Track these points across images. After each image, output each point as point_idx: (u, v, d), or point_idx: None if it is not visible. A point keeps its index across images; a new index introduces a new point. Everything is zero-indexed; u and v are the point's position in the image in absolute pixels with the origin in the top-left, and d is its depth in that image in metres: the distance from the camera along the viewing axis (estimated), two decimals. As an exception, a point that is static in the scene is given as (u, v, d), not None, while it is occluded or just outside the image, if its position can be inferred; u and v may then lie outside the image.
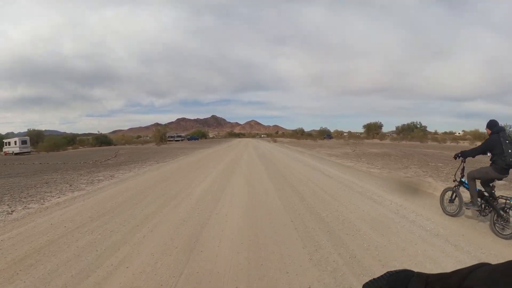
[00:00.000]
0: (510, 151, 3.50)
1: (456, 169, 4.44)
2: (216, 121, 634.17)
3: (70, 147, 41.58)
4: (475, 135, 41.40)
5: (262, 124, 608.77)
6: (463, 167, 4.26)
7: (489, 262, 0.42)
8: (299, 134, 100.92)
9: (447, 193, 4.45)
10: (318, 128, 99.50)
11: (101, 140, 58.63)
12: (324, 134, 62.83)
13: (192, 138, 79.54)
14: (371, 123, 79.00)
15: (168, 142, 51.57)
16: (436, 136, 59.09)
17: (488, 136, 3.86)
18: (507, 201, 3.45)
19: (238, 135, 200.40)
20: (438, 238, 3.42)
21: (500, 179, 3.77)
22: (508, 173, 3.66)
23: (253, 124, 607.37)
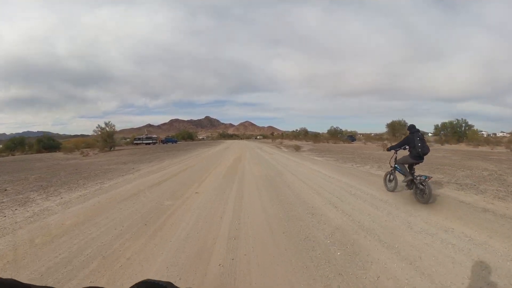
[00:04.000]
0: (419, 144, 5.19)
1: (390, 158, 6.31)
2: (209, 122, 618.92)
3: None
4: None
5: (257, 125, 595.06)
6: (395, 157, 5.97)
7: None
8: (301, 135, 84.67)
9: (387, 176, 6.14)
10: (314, 129, 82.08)
11: (45, 144, 41.85)
12: (345, 136, 46.29)
13: (169, 140, 61.91)
14: (394, 121, 63.06)
15: (114, 150, 34.09)
16: (495, 138, 43.66)
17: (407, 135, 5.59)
18: (421, 178, 5.04)
19: (231, 136, 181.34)
20: None
21: (417, 163, 5.43)
22: (421, 159, 5.32)
23: (247, 125, 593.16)
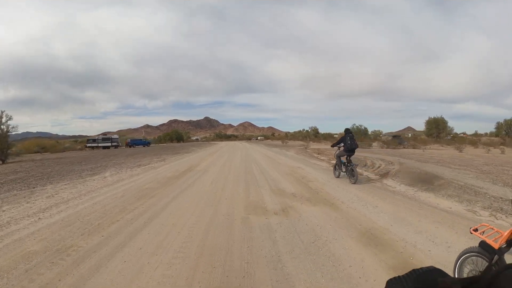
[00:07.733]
0: (349, 142, 7.36)
1: (334, 153, 8.58)
2: (209, 123, 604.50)
3: None
4: None
5: (256, 126, 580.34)
6: (338, 151, 8.02)
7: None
8: (311, 136, 69.61)
9: (335, 167, 8.28)
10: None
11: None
12: (391, 136, 31.33)
13: (137, 143, 45.90)
14: (437, 118, 47.51)
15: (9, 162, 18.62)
16: None
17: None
18: (350, 165, 7.16)
19: (229, 137, 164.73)
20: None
21: (350, 155, 7.45)
22: (352, 153, 7.48)
23: (246, 125, 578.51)
